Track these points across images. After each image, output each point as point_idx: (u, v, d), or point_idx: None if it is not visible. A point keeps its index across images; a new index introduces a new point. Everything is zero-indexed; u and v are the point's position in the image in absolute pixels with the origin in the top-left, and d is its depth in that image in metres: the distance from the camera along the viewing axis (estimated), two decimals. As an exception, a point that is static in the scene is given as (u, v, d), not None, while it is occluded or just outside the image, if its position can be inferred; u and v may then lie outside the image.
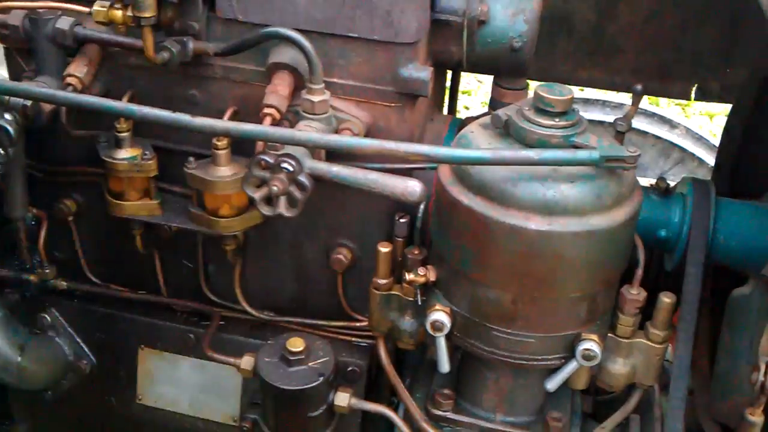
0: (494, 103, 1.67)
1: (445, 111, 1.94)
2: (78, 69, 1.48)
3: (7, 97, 1.38)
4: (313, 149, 1.38)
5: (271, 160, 1.29)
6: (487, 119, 1.37)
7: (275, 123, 1.41)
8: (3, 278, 1.76)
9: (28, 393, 1.82)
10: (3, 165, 1.40)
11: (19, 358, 1.66)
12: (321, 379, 1.47)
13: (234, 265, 1.68)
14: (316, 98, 1.39)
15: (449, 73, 1.88)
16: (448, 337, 1.42)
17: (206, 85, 1.53)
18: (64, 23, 1.45)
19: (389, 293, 1.51)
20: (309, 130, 1.37)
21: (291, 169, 1.28)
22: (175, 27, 1.45)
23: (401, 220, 1.52)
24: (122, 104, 1.30)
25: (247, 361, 1.54)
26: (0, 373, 1.65)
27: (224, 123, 1.27)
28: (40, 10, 1.45)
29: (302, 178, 1.29)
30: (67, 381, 1.80)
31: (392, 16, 1.39)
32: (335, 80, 1.47)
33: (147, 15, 1.31)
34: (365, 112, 1.49)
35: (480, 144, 1.32)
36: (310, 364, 1.49)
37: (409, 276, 1.43)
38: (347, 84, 1.47)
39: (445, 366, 1.43)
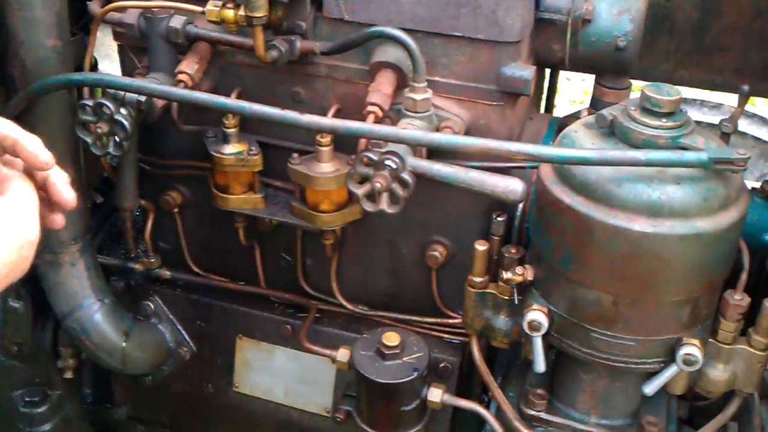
0: (595, 102, 1.65)
1: (542, 110, 1.94)
2: (189, 66, 1.53)
3: (122, 93, 1.44)
4: (415, 147, 1.40)
5: (374, 157, 1.31)
6: (590, 118, 1.36)
7: (378, 121, 1.44)
8: (110, 266, 1.84)
9: (130, 377, 1.89)
10: (117, 157, 1.46)
11: (124, 344, 1.74)
12: (415, 374, 1.49)
13: (331, 259, 1.71)
14: (418, 96, 1.41)
15: (547, 71, 1.87)
16: (544, 337, 1.41)
17: (311, 82, 1.57)
18: (176, 22, 1.51)
19: (484, 291, 1.52)
20: (411, 128, 1.39)
21: (394, 166, 1.30)
22: (282, 26, 1.49)
23: (498, 219, 1.52)
24: (234, 101, 1.35)
25: (342, 354, 1.57)
26: (105, 357, 1.73)
27: (330, 120, 1.29)
28: (155, 10, 1.50)
29: (405, 176, 1.31)
30: (167, 367, 1.87)
31: (497, 14, 1.39)
32: (437, 79, 1.49)
33: (259, 15, 1.35)
34: (466, 110, 1.50)
35: (584, 144, 1.31)
36: (404, 358, 1.51)
37: (506, 275, 1.44)
38: (449, 83, 1.49)
39: (541, 366, 1.43)
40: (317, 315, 1.78)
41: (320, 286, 1.78)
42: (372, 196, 1.35)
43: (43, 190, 1.27)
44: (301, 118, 1.31)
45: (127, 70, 1.67)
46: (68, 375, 1.89)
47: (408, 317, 1.73)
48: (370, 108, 1.44)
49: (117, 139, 1.44)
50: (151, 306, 1.84)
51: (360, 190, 1.34)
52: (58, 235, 1.61)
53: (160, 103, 1.53)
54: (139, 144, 1.77)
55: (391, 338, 1.51)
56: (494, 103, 1.48)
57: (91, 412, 2.02)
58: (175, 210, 1.78)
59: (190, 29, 1.52)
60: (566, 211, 1.29)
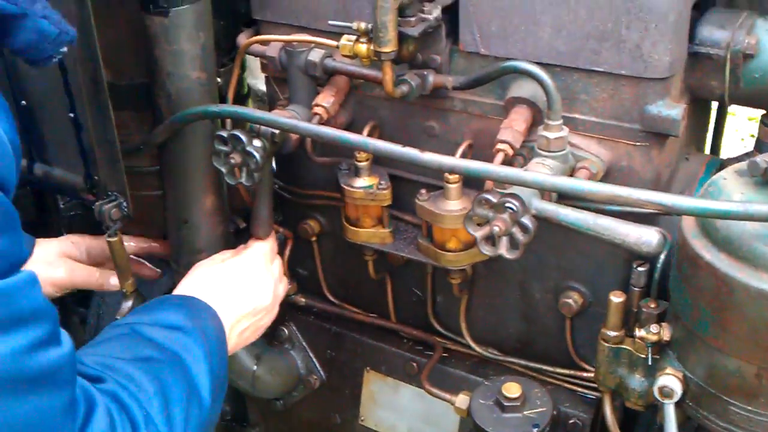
0: (760, 144, 1.49)
1: (708, 149, 1.77)
2: (325, 99, 1.54)
3: (258, 126, 1.47)
4: (542, 191, 1.32)
5: (494, 200, 1.24)
6: (743, 165, 1.22)
7: (507, 159, 1.37)
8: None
9: (262, 400, 1.92)
10: (248, 187, 1.49)
11: (255, 367, 1.77)
12: (535, 430, 1.40)
13: (460, 298, 1.65)
14: (552, 135, 1.33)
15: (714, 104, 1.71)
16: (678, 404, 1.28)
17: (445, 117, 1.53)
18: (315, 55, 1.52)
19: (619, 347, 1.40)
20: (542, 168, 1.31)
21: (514, 209, 1.23)
22: (417, 60, 1.46)
23: (639, 269, 1.40)
24: (357, 137, 1.33)
25: (462, 400, 1.51)
26: (236, 379, 1.77)
27: (451, 160, 1.24)
28: (295, 44, 1.52)
29: (525, 220, 1.23)
30: (297, 393, 1.88)
31: (642, 49, 1.28)
32: (576, 116, 1.40)
33: (387, 50, 1.32)
34: (607, 150, 1.39)
35: (731, 193, 1.18)
36: (525, 412, 1.42)
37: (639, 332, 1.32)
38: (588, 120, 1.39)
39: (673, 437, 1.29)
40: (445, 355, 1.72)
41: (450, 325, 1.72)
42: (492, 239, 1.28)
43: None
44: (422, 157, 1.26)
45: (272, 99, 1.71)
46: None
47: (539, 366, 1.63)
48: (499, 146, 1.37)
49: (249, 170, 1.47)
50: (286, 332, 1.87)
51: (478, 233, 1.28)
52: (199, 259, 1.66)
53: (294, 135, 1.54)
54: (279, 173, 1.82)
55: (512, 389, 1.43)
56: (638, 143, 1.37)
57: (228, 429, 2.08)
58: (313, 239, 1.79)
59: (328, 63, 1.52)
60: (705, 268, 1.16)
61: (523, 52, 1.38)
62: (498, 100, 1.45)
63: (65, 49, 1.16)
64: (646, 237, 1.21)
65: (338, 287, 1.85)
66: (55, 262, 1.65)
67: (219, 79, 1.66)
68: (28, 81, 1.60)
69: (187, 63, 1.49)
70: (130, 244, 1.77)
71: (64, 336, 1.05)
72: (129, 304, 1.67)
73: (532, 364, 1.63)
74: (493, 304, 1.65)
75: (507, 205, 1.24)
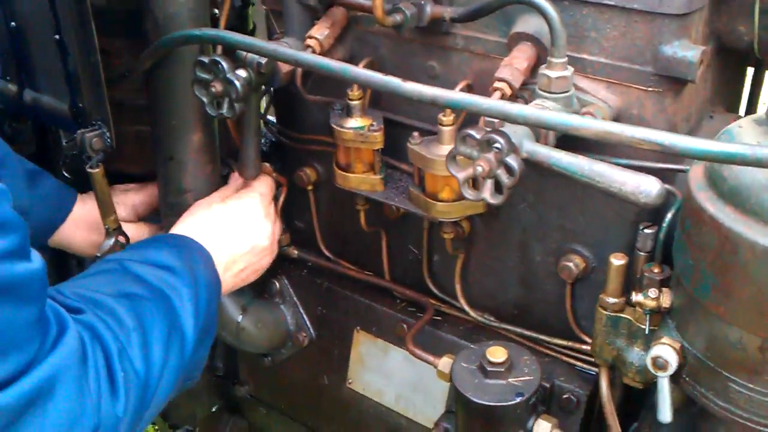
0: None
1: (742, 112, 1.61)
2: (319, 31, 1.43)
3: (244, 54, 1.37)
4: (536, 131, 1.19)
5: (477, 136, 1.12)
6: (763, 113, 1.07)
7: (505, 99, 1.24)
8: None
9: (253, 357, 1.84)
10: (234, 123, 1.40)
11: (240, 318, 1.68)
12: (518, 399, 1.27)
13: (456, 258, 1.53)
14: (554, 74, 1.19)
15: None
16: (676, 381, 1.14)
17: (446, 56, 1.41)
18: (310, -18, 1.42)
19: (618, 315, 1.27)
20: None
21: (500, 147, 1.10)
22: (416, -11, 1.34)
23: (646, 231, 1.26)
24: (338, 64, 1.21)
25: (444, 363, 1.39)
26: (220, 329, 1.68)
27: (432, 90, 1.12)
28: (291, -32, 1.42)
29: (510, 160, 1.10)
30: (286, 350, 1.79)
31: (657, -21, 1.14)
32: (585, 56, 1.26)
33: (375, -33, 1.21)
34: (616, 96, 1.26)
35: (745, 140, 1.03)
36: (510, 379, 1.30)
37: (637, 296, 1.18)
38: (598, 61, 1.25)
39: (666, 414, 1.15)
40: (438, 318, 1.60)
41: (446, 287, 1.60)
42: (476, 182, 1.16)
43: None
44: (402, 86, 1.15)
45: (270, 34, 1.61)
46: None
47: (536, 335, 1.50)
48: (497, 84, 1.25)
49: (231, 100, 1.38)
50: (277, 285, 1.77)
51: (461, 174, 1.15)
52: (185, 199, 1.58)
53: (285, 68, 1.44)
54: (278, 117, 1.72)
55: (497, 354, 1.31)
56: (650, 88, 1.22)
57: (219, 385, 2.00)
58: (309, 188, 1.69)
59: (325, -9, 1.42)
60: (708, 222, 1.02)
61: (530, -17, 1.25)
62: (502, 38, 1.32)
63: None
64: (646, 185, 1.07)
65: (334, 241, 1.74)
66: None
67: (216, 10, 1.57)
68: (15, 3, 1.54)
69: (174, -16, 1.40)
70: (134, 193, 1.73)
71: (35, 254, 1.02)
72: (110, 242, 1.60)
73: (528, 333, 1.50)
74: (492, 267, 1.53)
75: (492, 143, 1.11)
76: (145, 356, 1.18)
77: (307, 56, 1.24)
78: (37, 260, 1.02)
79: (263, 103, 1.76)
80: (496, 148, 1.11)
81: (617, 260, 1.26)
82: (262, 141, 1.81)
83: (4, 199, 0.96)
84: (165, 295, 1.27)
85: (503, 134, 1.10)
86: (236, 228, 1.51)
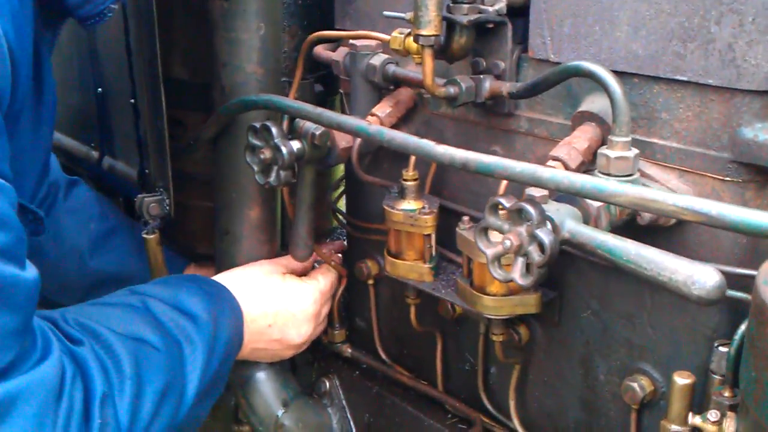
0: None
1: None
2: (381, 109, 1.38)
3: (301, 125, 1.33)
4: (587, 214, 1.04)
5: (507, 204, 0.99)
6: None
7: (560, 182, 1.11)
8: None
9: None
10: (273, 188, 1.35)
11: (280, 413, 1.56)
12: None
13: (511, 369, 1.35)
14: (614, 153, 1.05)
15: None
16: None
17: (509, 140, 1.30)
18: (377, 60, 1.37)
19: (682, 448, 1.05)
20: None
21: (530, 219, 0.96)
22: (480, 66, 1.26)
23: (721, 349, 1.06)
24: (375, 128, 1.14)
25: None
26: (257, 423, 1.57)
27: (464, 153, 1.01)
28: (359, 47, 1.38)
29: (542, 234, 0.95)
30: (329, 458, 1.63)
31: (735, 51, 1.00)
32: (655, 140, 1.11)
33: (426, 33, 1.13)
34: (688, 186, 1.09)
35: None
36: None
37: (693, 419, 0.97)
38: (669, 146, 1.10)
39: None
40: (489, 439, 1.41)
41: (502, 404, 1.41)
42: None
43: None
44: (435, 149, 1.05)
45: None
46: (242, 441, 1.76)
47: (597, 471, 1.27)
48: (550, 163, 1.12)
49: (278, 168, 1.32)
50: (327, 385, 1.64)
51: (490, 251, 1.02)
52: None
53: (341, 144, 1.38)
54: (348, 205, 1.65)
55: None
56: (727, 178, 1.05)
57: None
58: (370, 282, 1.58)
59: (389, 68, 1.37)
60: (772, 323, 0.82)
61: (597, 58, 1.14)
62: (566, 120, 1.20)
63: (115, 5, 1.15)
64: (700, 276, 0.88)
65: (392, 343, 1.61)
66: None
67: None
68: (104, 68, 1.60)
69: (243, 54, 1.41)
70: None
71: (31, 267, 1.00)
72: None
73: (586, 467, 1.28)
74: (551, 384, 1.33)
75: (523, 213, 0.98)
76: (134, 409, 1.09)
77: (349, 119, 1.18)
78: (31, 272, 0.98)
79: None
80: (527, 220, 0.97)
81: (682, 379, 1.06)
82: (342, 233, 1.74)
83: (3, 197, 0.93)
84: (178, 346, 1.22)
85: (534, 203, 0.97)
86: (280, 311, 1.44)
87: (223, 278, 1.42)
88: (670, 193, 0.83)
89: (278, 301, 1.44)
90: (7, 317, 0.93)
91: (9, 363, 0.93)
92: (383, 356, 1.60)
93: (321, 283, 1.54)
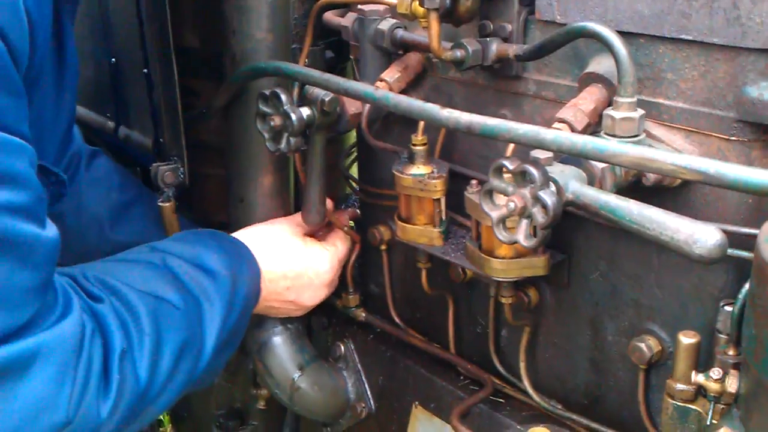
0: None
1: None
2: (390, 74, 1.38)
3: (311, 91, 1.34)
4: (591, 175, 1.05)
5: (511, 166, 0.99)
6: None
7: (566, 143, 1.11)
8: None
9: (316, 427, 1.72)
10: (284, 155, 1.36)
11: (295, 376, 1.59)
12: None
13: (521, 331, 1.37)
14: (619, 114, 1.05)
15: None
16: (737, 484, 0.91)
17: (518, 103, 1.30)
18: (385, 24, 1.38)
19: (687, 406, 1.06)
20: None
21: (534, 180, 0.97)
22: (487, 28, 1.26)
23: (726, 308, 1.06)
24: (382, 92, 1.14)
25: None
26: (274, 386, 1.60)
27: (468, 116, 1.02)
28: (367, 12, 1.39)
29: (544, 195, 0.96)
30: (344, 421, 1.66)
31: (739, 8, 0.99)
32: (660, 101, 1.11)
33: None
34: (694, 146, 1.09)
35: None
36: (549, 466, 1.11)
37: (696, 377, 0.98)
38: (675, 106, 1.10)
39: None
40: (501, 400, 1.43)
41: (513, 366, 1.43)
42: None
43: None
44: (440, 113, 1.06)
45: (354, 84, 1.57)
46: (261, 405, 1.79)
47: (607, 430, 1.29)
48: (556, 125, 1.12)
49: (288, 135, 1.34)
50: (342, 349, 1.67)
51: (494, 213, 1.02)
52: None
53: (351, 111, 1.39)
54: (360, 172, 1.66)
55: (537, 436, 1.13)
56: (732, 137, 1.05)
57: (283, 455, 1.89)
58: (383, 247, 1.59)
59: (397, 33, 1.37)
60: (771, 280, 0.83)
61: (604, 18, 1.13)
62: (574, 82, 1.20)
63: None
64: (701, 234, 0.89)
65: (405, 307, 1.62)
66: None
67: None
68: (117, 38, 1.61)
69: (253, 21, 1.42)
70: None
71: (51, 225, 1.02)
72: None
73: (596, 426, 1.30)
74: (561, 345, 1.35)
75: (526, 175, 0.98)
76: (153, 364, 1.12)
77: (356, 84, 1.19)
78: (51, 231, 1.00)
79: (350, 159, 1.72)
80: (531, 182, 0.98)
81: (687, 338, 1.06)
82: (356, 199, 1.76)
83: (23, 156, 0.95)
84: (197, 304, 1.24)
85: (538, 165, 0.97)
86: (300, 274, 1.46)
87: (245, 235, 1.43)
88: (669, 153, 0.84)
89: (299, 265, 1.46)
90: (26, 274, 0.95)
91: (29, 320, 0.96)
92: (397, 320, 1.62)
93: (340, 249, 1.55)
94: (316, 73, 1.25)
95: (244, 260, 1.37)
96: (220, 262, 1.30)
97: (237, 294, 1.30)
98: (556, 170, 1.03)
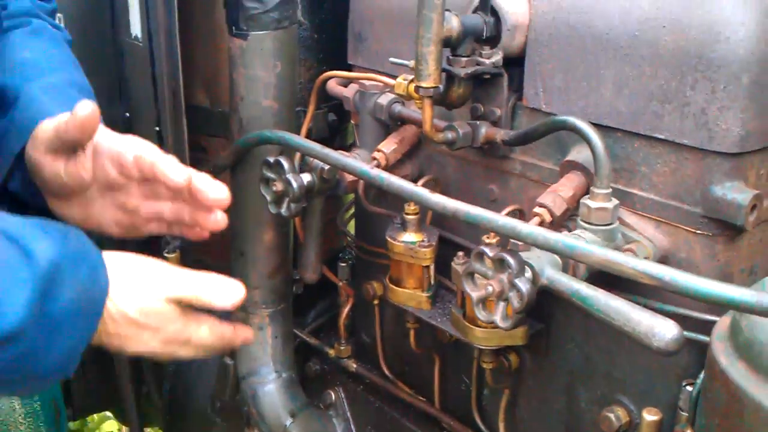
0: None
1: None
2: (387, 145, 1.47)
3: (311, 159, 1.43)
4: (566, 262, 1.13)
5: (491, 254, 1.08)
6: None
7: (545, 226, 1.19)
8: (313, 347, 1.81)
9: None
10: (286, 219, 1.44)
11: (287, 423, 1.66)
12: None
13: (502, 392, 1.44)
14: (594, 204, 1.14)
15: None
16: None
17: (505, 180, 1.39)
18: (384, 99, 1.46)
19: (648, 482, 1.14)
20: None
21: (510, 268, 1.05)
22: (478, 112, 1.35)
23: (687, 388, 1.14)
24: (376, 171, 1.23)
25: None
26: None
27: (455, 203, 1.10)
28: (368, 86, 1.48)
29: (519, 283, 1.04)
30: (332, 467, 1.74)
31: (707, 115, 1.08)
32: (635, 191, 1.19)
33: (425, 85, 1.22)
34: (663, 236, 1.17)
35: (778, 291, 0.92)
36: None
37: (654, 458, 1.06)
38: (647, 198, 1.18)
39: None
40: (480, 458, 1.51)
41: (494, 425, 1.50)
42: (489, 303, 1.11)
43: (192, 202, 1.23)
44: (430, 198, 1.14)
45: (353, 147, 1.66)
46: (254, 446, 1.87)
47: (577, 495, 1.36)
48: (537, 209, 1.21)
49: (289, 200, 1.42)
50: (332, 396, 1.75)
51: (475, 294, 1.11)
52: (251, 295, 1.63)
53: (349, 177, 1.48)
54: (357, 230, 1.74)
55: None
56: (698, 231, 1.13)
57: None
58: (375, 302, 1.67)
59: (395, 108, 1.46)
60: (719, 377, 0.91)
61: (584, 112, 1.22)
62: (556, 166, 1.29)
63: None
64: (660, 329, 0.97)
65: (396, 360, 1.70)
66: None
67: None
68: (131, 93, 1.71)
69: (260, 90, 1.50)
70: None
71: None
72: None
73: (567, 490, 1.37)
74: (538, 409, 1.42)
75: (503, 263, 1.07)
76: None
77: (352, 161, 1.28)
78: None
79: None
80: (509, 268, 1.06)
81: (650, 416, 1.14)
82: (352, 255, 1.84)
83: None
84: None
85: (515, 255, 1.06)
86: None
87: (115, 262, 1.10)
88: (631, 258, 0.92)
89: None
90: None
91: None
92: (386, 372, 1.70)
93: (202, 334, 1.19)
94: (316, 147, 1.33)
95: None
96: (55, 250, 0.99)
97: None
98: (533, 255, 1.11)
